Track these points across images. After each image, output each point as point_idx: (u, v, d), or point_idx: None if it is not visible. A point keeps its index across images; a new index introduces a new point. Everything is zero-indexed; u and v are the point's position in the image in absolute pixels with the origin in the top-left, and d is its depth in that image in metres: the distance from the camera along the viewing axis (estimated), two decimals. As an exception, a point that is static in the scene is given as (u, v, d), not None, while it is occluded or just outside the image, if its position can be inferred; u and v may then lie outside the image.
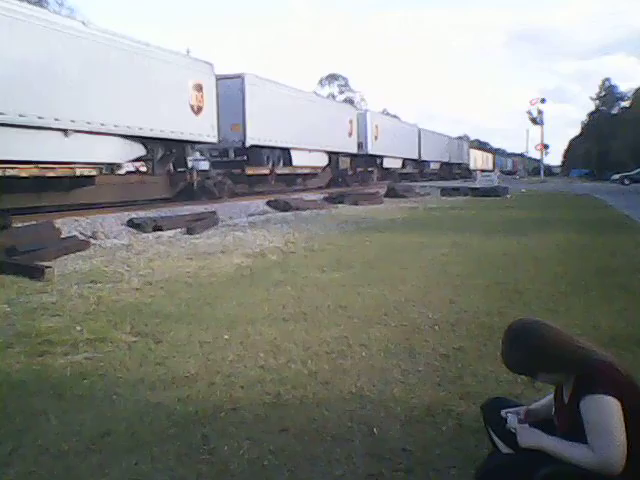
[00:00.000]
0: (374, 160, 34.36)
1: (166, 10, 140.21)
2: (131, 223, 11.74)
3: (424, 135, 46.23)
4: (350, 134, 29.76)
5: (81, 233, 10.29)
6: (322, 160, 26.99)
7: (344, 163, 30.42)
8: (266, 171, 21.63)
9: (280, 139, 21.86)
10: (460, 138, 77.64)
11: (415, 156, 43.34)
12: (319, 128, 25.12)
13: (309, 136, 24.13)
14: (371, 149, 32.39)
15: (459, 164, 62.74)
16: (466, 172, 62.82)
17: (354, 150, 30.28)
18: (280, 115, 21.50)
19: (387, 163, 36.43)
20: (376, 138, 32.86)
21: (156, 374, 3.74)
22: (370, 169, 34.46)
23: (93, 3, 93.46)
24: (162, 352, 4.17)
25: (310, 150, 24.74)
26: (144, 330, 4.69)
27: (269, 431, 2.95)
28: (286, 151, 22.95)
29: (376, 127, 33.09)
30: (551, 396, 2.28)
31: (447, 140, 57.08)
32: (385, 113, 69.82)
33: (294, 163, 23.58)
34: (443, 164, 54.39)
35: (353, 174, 31.97)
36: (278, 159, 22.58)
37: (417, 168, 45.03)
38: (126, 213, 12.64)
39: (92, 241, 9.73)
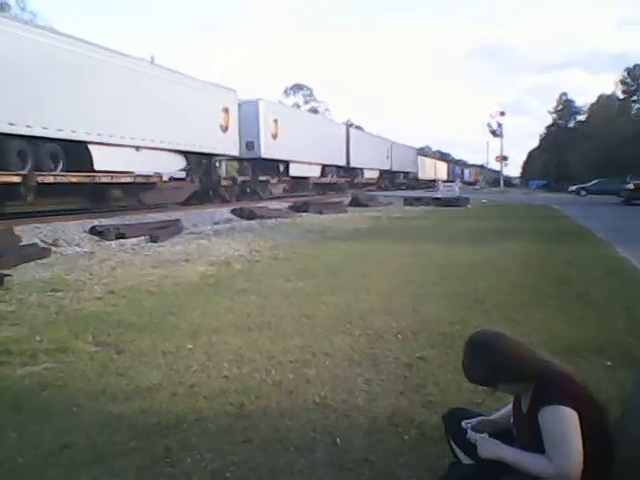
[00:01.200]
0: (275, 166, 26.14)
1: (129, 18, 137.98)
2: (94, 230, 11.56)
3: (355, 137, 38.80)
4: (225, 128, 20.93)
5: (42, 240, 10.08)
6: (171, 164, 18.28)
7: (223, 170, 24.28)
8: (13, 179, 12.41)
9: (56, 124, 13.36)
10: (422, 149, 77.85)
11: (342, 162, 35.71)
12: (161, 116, 16.89)
13: (137, 125, 16.00)
14: (266, 151, 24.34)
15: (406, 173, 56.22)
16: (414, 182, 57.35)
17: (233, 151, 21.88)
18: (57, 84, 13.24)
19: (296, 170, 27.90)
20: (275, 137, 24.96)
21: (118, 385, 3.69)
22: (264, 178, 25.14)
23: (56, 7, 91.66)
24: (124, 362, 4.12)
25: (139, 147, 16.39)
26: (106, 340, 4.63)
27: (232, 442, 2.94)
28: (81, 146, 14.41)
29: (275, 122, 25.05)
30: (510, 406, 2.32)
31: (389, 145, 48.85)
32: (349, 124, 69.08)
33: (98, 166, 14.85)
34: (383, 172, 47.22)
35: (231, 185, 22.88)
36: (54, 159, 13.91)
37: (345, 177, 37.61)
38: (89, 220, 12.43)
39: (53, 249, 9.55)
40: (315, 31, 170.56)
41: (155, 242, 11.05)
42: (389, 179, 49.54)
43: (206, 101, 19.56)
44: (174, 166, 18.50)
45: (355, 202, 25.22)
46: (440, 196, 28.81)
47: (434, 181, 63.49)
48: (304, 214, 19.27)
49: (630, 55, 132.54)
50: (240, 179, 24.25)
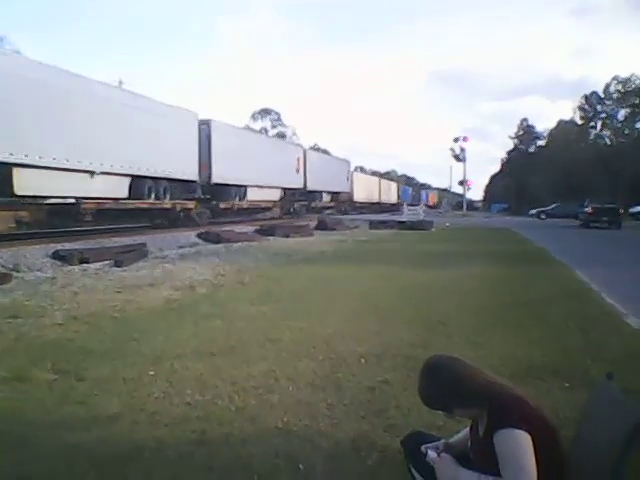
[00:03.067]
0: None
1: (96, 42, 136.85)
2: (56, 255, 11.37)
3: (224, 137, 23.54)
4: None
5: (2, 266, 9.86)
6: None
7: None
8: None
9: None
10: (387, 173, 75.99)
11: (191, 175, 21.34)
12: None
13: None
14: None
15: (334, 193, 41.35)
16: (347, 205, 45.31)
17: None
18: None
19: (32, 186, 13.73)
20: None
21: (77, 414, 3.63)
22: None
23: (25, 31, 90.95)
24: (84, 390, 4.05)
25: None
26: (66, 367, 4.54)
27: (193, 470, 2.92)
28: None
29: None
30: (468, 429, 2.37)
31: (300, 154, 34.63)
32: (315, 148, 64.19)
33: None
34: (292, 192, 32.84)
35: None
36: None
37: (200, 199, 23.01)
38: (51, 245, 12.23)
39: (14, 274, 9.34)
40: (281, 57, 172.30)
41: (119, 267, 10.90)
42: (302, 200, 35.36)
43: None
44: None
45: (322, 226, 25.38)
46: (404, 219, 29.21)
47: (377, 204, 56.45)
48: (271, 238, 19.28)
49: (587, 82, 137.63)
50: None
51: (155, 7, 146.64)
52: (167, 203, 20.32)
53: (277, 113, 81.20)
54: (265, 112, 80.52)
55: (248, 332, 5.82)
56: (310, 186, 35.01)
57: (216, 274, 10.22)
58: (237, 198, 25.70)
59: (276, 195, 30.64)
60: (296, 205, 34.12)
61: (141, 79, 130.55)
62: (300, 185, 33.63)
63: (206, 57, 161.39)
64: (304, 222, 26.52)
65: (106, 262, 11.30)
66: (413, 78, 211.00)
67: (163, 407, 3.75)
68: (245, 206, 26.86)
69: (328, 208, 41.05)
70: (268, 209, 30.45)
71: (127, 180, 17.89)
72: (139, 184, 18.41)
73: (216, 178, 22.96)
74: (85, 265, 10.96)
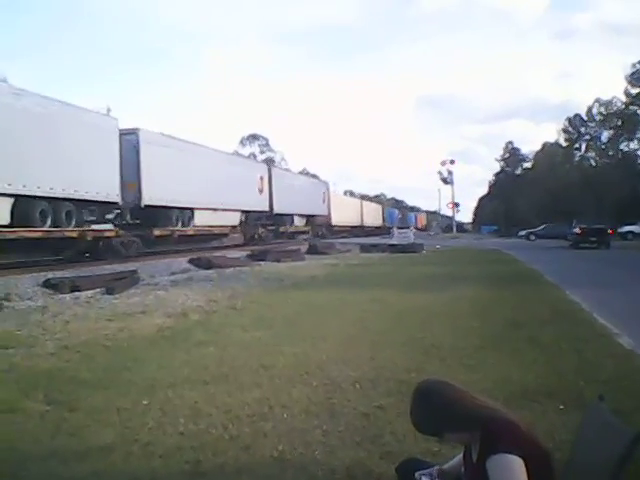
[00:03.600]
0: None
1: (84, 70, 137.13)
2: (47, 284, 11.29)
3: (158, 149, 19.68)
4: None
5: (-7, 295, 9.77)
6: None
7: None
8: None
9: None
10: (377, 196, 75.48)
11: (110, 195, 17.46)
12: None
13: None
14: None
15: (309, 216, 37.65)
16: (325, 230, 41.36)
17: None
18: None
19: None
20: None
21: (69, 446, 3.59)
22: None
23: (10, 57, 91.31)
24: (77, 421, 4.01)
25: None
26: (58, 398, 4.50)
27: (189, 501, 2.89)
28: None
29: None
30: (461, 455, 2.36)
31: (263, 172, 30.73)
32: (304, 173, 64.20)
33: None
34: (253, 216, 28.77)
35: None
36: None
37: (130, 225, 19.57)
38: (42, 273, 12.17)
39: (4, 303, 9.27)
40: (269, 82, 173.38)
41: (111, 294, 10.84)
42: (271, 225, 31.35)
43: None
44: None
45: (313, 250, 25.40)
46: (395, 242, 29.29)
47: (360, 227, 53.76)
48: (262, 262, 19.26)
49: (570, 105, 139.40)
50: None
51: (139, 36, 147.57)
52: (71, 231, 15.88)
53: (265, 138, 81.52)
54: (253, 137, 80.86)
55: (241, 358, 5.80)
56: (278, 209, 31.12)
57: (208, 300, 10.19)
58: (180, 223, 21.57)
59: (235, 219, 26.47)
60: (261, 230, 29.68)
61: (129, 108, 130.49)
62: (265, 207, 29.66)
63: (193, 84, 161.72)
64: (295, 246, 26.43)
65: (97, 290, 11.24)
66: (402, 102, 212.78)
67: (157, 437, 3.72)
68: (190, 233, 22.57)
69: (302, 233, 36.82)
70: (224, 235, 26.33)
71: (7, 201, 13.71)
72: (26, 207, 14.27)
73: (148, 199, 18.97)
74: (76, 293, 10.87)
